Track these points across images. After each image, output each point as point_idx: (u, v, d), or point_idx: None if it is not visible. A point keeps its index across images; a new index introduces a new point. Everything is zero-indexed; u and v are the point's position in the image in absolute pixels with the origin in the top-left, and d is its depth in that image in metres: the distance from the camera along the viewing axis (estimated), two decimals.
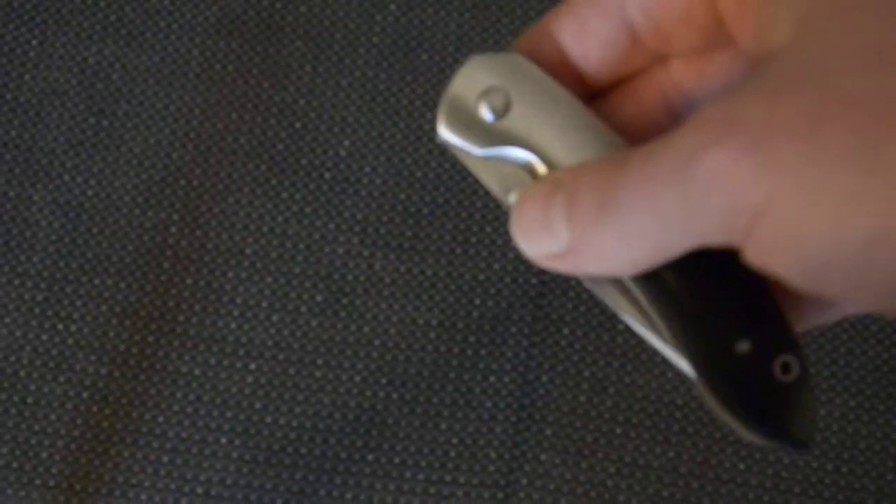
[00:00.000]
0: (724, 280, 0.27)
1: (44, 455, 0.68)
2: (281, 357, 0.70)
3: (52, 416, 0.69)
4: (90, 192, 0.74)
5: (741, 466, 0.67)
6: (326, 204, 0.73)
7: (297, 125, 0.75)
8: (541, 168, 0.28)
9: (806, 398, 0.26)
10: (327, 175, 0.74)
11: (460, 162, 0.29)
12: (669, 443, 0.67)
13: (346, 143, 0.74)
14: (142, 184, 0.74)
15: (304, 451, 0.68)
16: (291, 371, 0.70)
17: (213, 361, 0.70)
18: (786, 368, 0.26)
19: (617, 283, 0.28)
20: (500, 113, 0.28)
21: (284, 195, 0.73)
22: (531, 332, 0.70)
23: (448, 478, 0.67)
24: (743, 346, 0.26)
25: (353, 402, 0.69)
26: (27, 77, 0.76)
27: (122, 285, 0.72)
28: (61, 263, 0.72)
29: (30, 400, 0.69)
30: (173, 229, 0.73)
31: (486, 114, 0.28)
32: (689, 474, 0.67)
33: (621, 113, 0.29)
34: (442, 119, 0.28)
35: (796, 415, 0.26)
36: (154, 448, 0.68)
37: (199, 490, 0.67)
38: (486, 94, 0.28)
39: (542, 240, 0.26)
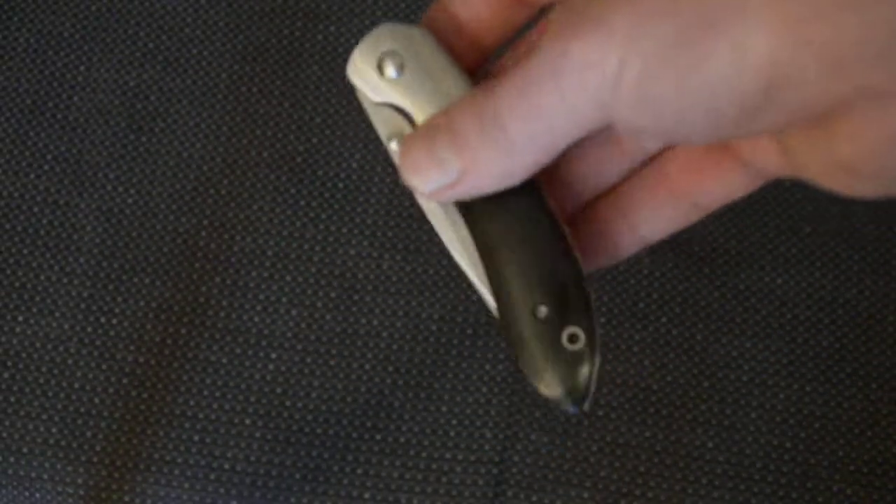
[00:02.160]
0: (536, 233, 0.27)
1: (88, 434, 0.68)
2: (299, 347, 0.69)
3: (96, 400, 0.69)
4: (130, 201, 0.73)
5: (710, 445, 0.66)
6: (340, 210, 0.73)
7: (314, 140, 0.74)
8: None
9: (585, 367, 0.27)
10: (341, 185, 0.73)
11: (359, 103, 0.29)
12: (646, 424, 0.67)
13: (358, 156, 0.74)
14: (176, 193, 0.73)
15: (319, 431, 0.68)
16: (308, 360, 0.69)
17: (238, 351, 0.70)
18: (572, 339, 0.27)
19: (454, 222, 0.28)
20: (395, 73, 0.29)
21: (302, 202, 0.73)
22: None
23: (448, 455, 0.67)
24: (542, 311, 0.27)
25: (363, 388, 0.68)
26: (75, 98, 0.76)
27: (158, 283, 0.71)
28: (104, 264, 0.72)
29: (76, 385, 0.69)
30: (203, 233, 0.73)
31: (384, 70, 0.29)
32: (662, 452, 0.66)
33: None
34: (351, 64, 0.29)
35: (574, 380, 0.27)
36: (186, 429, 0.68)
37: (226, 466, 0.67)
38: (387, 54, 0.29)
39: (434, 173, 0.26)
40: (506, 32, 0.30)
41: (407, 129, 0.29)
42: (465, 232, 0.28)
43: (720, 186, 0.29)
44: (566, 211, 0.30)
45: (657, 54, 0.23)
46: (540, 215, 0.28)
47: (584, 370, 0.27)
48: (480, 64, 0.30)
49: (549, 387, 0.27)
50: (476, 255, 0.28)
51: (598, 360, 0.27)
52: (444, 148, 0.26)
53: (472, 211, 0.28)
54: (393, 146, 0.29)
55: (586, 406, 0.27)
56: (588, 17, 0.24)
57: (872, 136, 0.23)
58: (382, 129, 0.29)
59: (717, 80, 0.23)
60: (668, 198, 0.30)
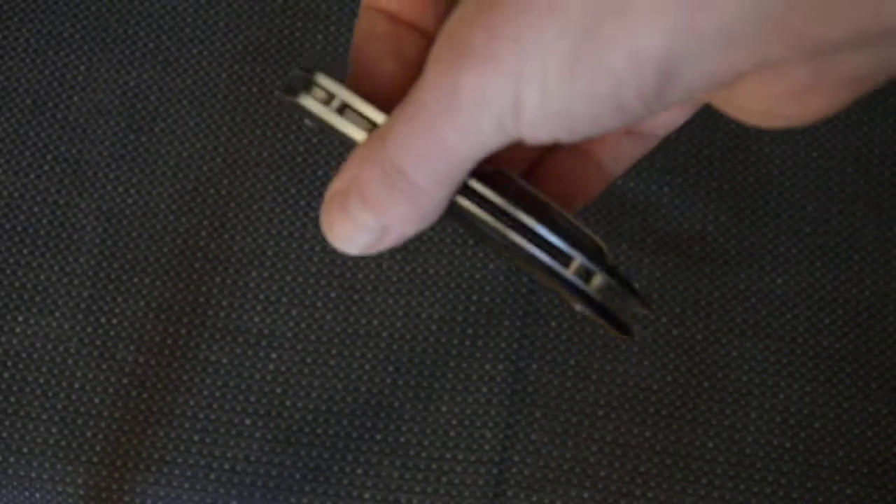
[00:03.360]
0: (534, 204, 0.28)
1: (88, 434, 0.68)
2: (299, 347, 0.69)
3: (96, 400, 0.69)
4: (130, 201, 0.73)
5: (710, 444, 0.66)
6: None
7: (314, 140, 0.74)
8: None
9: (625, 299, 0.28)
10: None
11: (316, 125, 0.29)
12: (646, 424, 0.67)
13: None
14: (176, 193, 0.73)
15: (319, 431, 0.67)
16: (308, 360, 0.69)
17: (238, 351, 0.69)
18: (613, 272, 0.28)
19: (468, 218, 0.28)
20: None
21: (302, 203, 0.73)
22: (522, 325, 0.69)
23: (448, 455, 0.67)
24: (574, 265, 0.27)
25: (363, 388, 0.68)
26: (75, 98, 0.76)
27: (158, 283, 0.71)
28: (104, 264, 0.72)
29: (76, 385, 0.69)
30: (204, 233, 0.72)
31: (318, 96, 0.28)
32: (663, 452, 0.66)
33: None
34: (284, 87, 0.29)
35: (621, 310, 0.28)
36: (186, 428, 0.68)
37: (226, 466, 0.67)
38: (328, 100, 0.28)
39: (362, 237, 0.26)
40: (440, 8, 0.29)
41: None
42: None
43: (658, 118, 0.30)
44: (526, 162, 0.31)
45: (551, 76, 0.23)
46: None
47: (627, 301, 0.28)
48: (428, 47, 0.29)
49: (610, 322, 0.28)
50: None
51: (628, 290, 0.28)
52: (360, 210, 0.26)
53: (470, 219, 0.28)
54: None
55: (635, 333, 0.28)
56: (473, 50, 0.23)
57: (767, 94, 0.24)
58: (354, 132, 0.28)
59: (617, 84, 0.23)
60: (620, 134, 0.31)
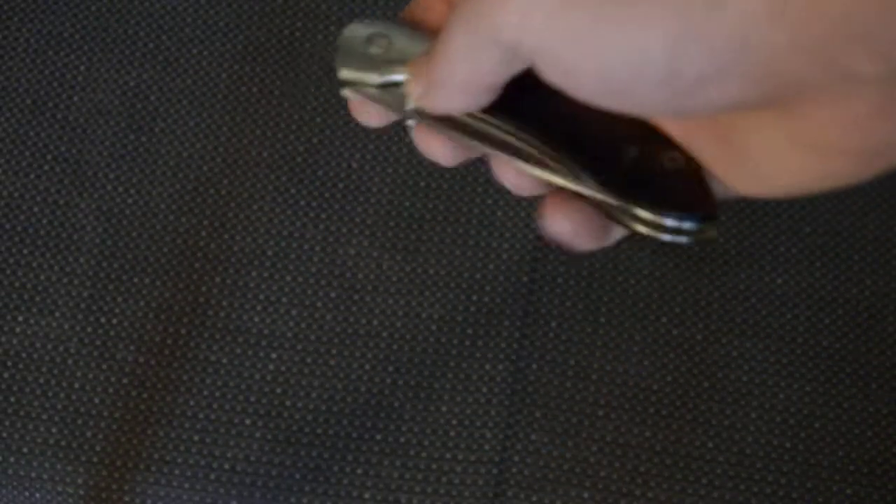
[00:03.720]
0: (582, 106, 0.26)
1: (88, 434, 0.68)
2: (299, 347, 0.69)
3: (96, 400, 0.69)
4: (130, 201, 0.73)
5: (710, 444, 0.66)
6: (339, 210, 0.72)
7: (314, 140, 0.74)
8: None
9: (700, 177, 0.26)
10: (340, 185, 0.73)
11: (361, 97, 0.30)
12: (646, 424, 0.67)
13: (357, 156, 0.74)
14: (176, 193, 0.73)
15: (319, 431, 0.67)
16: (308, 360, 0.69)
17: (238, 351, 0.69)
18: (672, 160, 0.26)
19: (508, 133, 0.28)
20: (385, 48, 0.30)
21: (302, 202, 0.73)
22: (522, 325, 0.69)
23: (448, 455, 0.67)
24: (630, 153, 0.26)
25: (363, 388, 0.68)
26: (75, 98, 0.76)
27: (159, 283, 0.71)
28: (104, 264, 0.72)
29: (76, 385, 0.69)
30: (203, 233, 0.72)
31: (375, 50, 0.30)
32: (663, 452, 0.66)
33: None
34: (340, 63, 0.30)
35: (696, 192, 0.26)
36: (186, 429, 0.68)
37: (226, 466, 0.67)
38: (371, 38, 0.30)
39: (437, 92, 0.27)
40: None
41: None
42: (521, 135, 0.28)
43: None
44: None
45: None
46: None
47: (702, 180, 0.26)
48: None
49: (681, 206, 0.26)
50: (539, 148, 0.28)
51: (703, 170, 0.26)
52: (436, 65, 0.27)
53: (521, 114, 0.28)
54: (410, 122, 0.30)
55: (714, 228, 0.26)
56: None
57: (841, 118, 0.22)
58: (394, 109, 0.29)
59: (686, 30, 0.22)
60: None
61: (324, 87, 0.75)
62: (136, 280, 0.71)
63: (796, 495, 0.65)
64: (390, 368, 0.69)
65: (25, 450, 0.67)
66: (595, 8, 0.22)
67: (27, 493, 0.67)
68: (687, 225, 0.26)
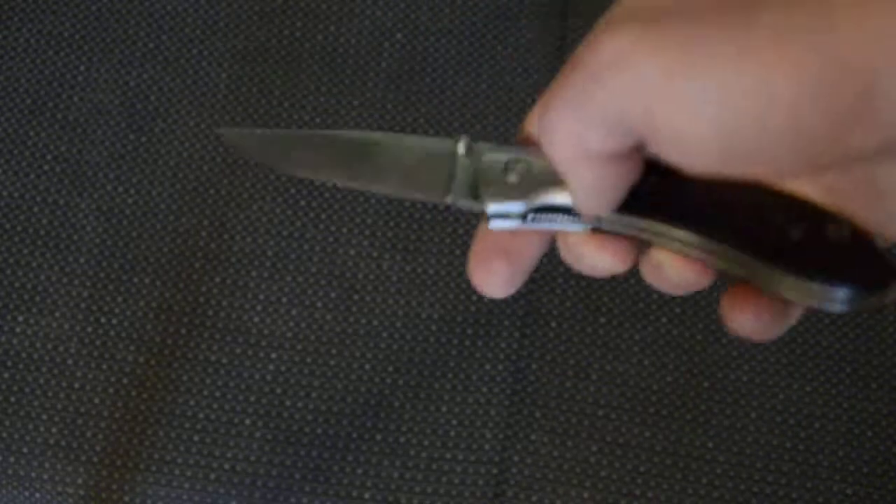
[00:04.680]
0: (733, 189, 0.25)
1: (88, 434, 0.68)
2: (299, 347, 0.69)
3: (96, 400, 0.68)
4: (130, 201, 0.73)
5: (710, 445, 0.66)
6: (339, 210, 0.72)
7: None
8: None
9: (871, 245, 0.24)
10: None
11: (509, 227, 0.30)
12: (646, 424, 0.67)
13: None
14: (176, 193, 0.73)
15: (319, 431, 0.67)
16: (308, 360, 0.69)
17: (238, 351, 0.69)
18: (838, 229, 0.25)
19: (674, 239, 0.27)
20: (523, 174, 0.29)
21: (302, 203, 0.73)
22: (522, 325, 0.69)
23: (448, 455, 0.67)
24: (795, 232, 0.25)
25: (363, 388, 0.68)
26: (75, 98, 0.76)
27: (158, 283, 0.71)
28: (104, 264, 0.72)
29: (76, 385, 0.69)
30: (203, 233, 0.72)
31: (514, 178, 0.29)
32: (663, 452, 0.66)
33: None
34: (487, 196, 0.29)
35: (871, 261, 0.25)
36: (186, 429, 0.68)
37: (226, 466, 0.67)
38: (508, 165, 0.29)
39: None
40: None
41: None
42: (688, 238, 0.27)
43: None
44: None
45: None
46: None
47: (877, 247, 0.25)
48: None
49: (854, 278, 0.25)
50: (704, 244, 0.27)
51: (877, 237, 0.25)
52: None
53: (682, 216, 0.27)
54: (576, 233, 0.29)
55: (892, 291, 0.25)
56: (629, 12, 0.23)
57: None
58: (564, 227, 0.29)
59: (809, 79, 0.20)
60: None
61: (324, 88, 0.75)
62: (136, 280, 0.71)
63: (796, 495, 0.65)
64: (390, 368, 0.68)
65: (25, 450, 0.67)
66: (685, 53, 0.21)
67: (27, 493, 0.67)
68: (858, 297, 0.25)
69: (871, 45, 0.19)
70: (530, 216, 0.29)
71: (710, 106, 0.21)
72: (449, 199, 0.30)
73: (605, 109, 0.23)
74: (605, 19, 0.23)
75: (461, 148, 0.30)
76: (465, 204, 0.30)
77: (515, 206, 0.29)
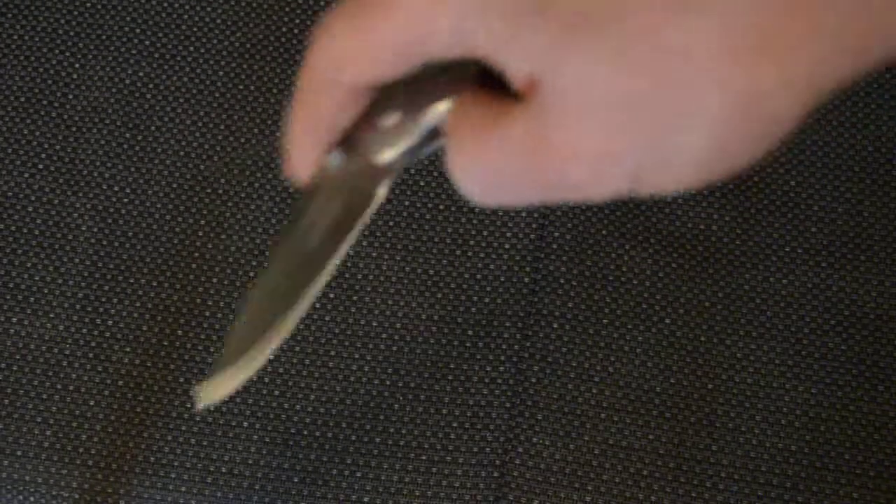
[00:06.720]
0: None
1: (83, 437, 0.67)
2: (297, 348, 0.69)
3: (91, 402, 0.68)
4: (126, 200, 0.73)
5: (714, 447, 0.66)
6: None
7: None
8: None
9: None
10: None
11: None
12: (649, 426, 0.66)
13: None
14: (172, 192, 0.73)
15: (318, 433, 0.67)
16: (307, 361, 0.69)
17: None
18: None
19: None
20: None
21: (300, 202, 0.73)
22: (524, 327, 0.69)
23: (448, 458, 0.66)
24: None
25: (362, 390, 0.68)
26: (70, 96, 0.76)
27: (155, 283, 0.71)
28: (99, 264, 0.71)
29: (71, 387, 0.69)
30: (200, 233, 0.72)
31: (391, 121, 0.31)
32: (666, 454, 0.66)
33: None
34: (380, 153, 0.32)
35: None
36: (182, 431, 0.67)
37: (224, 469, 0.66)
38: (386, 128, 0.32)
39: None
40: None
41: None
42: None
43: None
44: None
45: None
46: None
47: None
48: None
49: None
50: None
51: None
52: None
53: None
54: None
55: None
56: None
57: None
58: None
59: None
60: None
61: None
62: (131, 280, 0.71)
63: (802, 499, 0.65)
64: (390, 370, 0.68)
65: (19, 452, 0.67)
66: None
67: (21, 497, 0.67)
68: None
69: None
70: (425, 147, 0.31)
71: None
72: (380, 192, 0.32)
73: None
74: None
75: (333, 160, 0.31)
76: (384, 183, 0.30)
77: (405, 144, 0.31)
